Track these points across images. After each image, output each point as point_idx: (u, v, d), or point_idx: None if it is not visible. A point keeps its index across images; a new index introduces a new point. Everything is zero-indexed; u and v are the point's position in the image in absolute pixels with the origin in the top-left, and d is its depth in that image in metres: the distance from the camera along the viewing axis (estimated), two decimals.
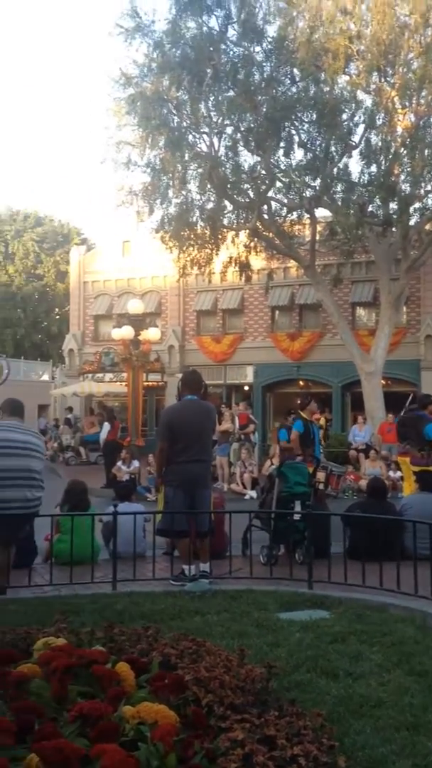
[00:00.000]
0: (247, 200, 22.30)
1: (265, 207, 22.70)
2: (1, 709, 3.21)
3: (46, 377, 40.49)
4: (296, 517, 8.57)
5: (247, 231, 23.06)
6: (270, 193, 22.52)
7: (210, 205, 22.39)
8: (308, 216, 22.88)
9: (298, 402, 12.86)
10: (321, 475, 11.57)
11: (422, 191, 20.84)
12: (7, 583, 7.16)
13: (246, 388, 30.36)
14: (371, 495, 9.67)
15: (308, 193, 21.78)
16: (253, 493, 16.89)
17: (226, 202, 22.59)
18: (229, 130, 21.80)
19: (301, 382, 29.46)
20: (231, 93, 20.76)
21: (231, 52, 21.17)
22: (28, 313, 47.47)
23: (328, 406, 26.38)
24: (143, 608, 6.17)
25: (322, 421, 17.64)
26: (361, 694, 4.16)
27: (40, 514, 7.39)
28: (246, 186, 22.21)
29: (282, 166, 21.76)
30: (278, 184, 22.20)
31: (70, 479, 10.56)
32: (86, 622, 5.24)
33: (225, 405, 22.99)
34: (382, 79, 20.16)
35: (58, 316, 48.33)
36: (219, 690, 3.40)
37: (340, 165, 21.51)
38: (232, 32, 21.35)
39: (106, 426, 20.02)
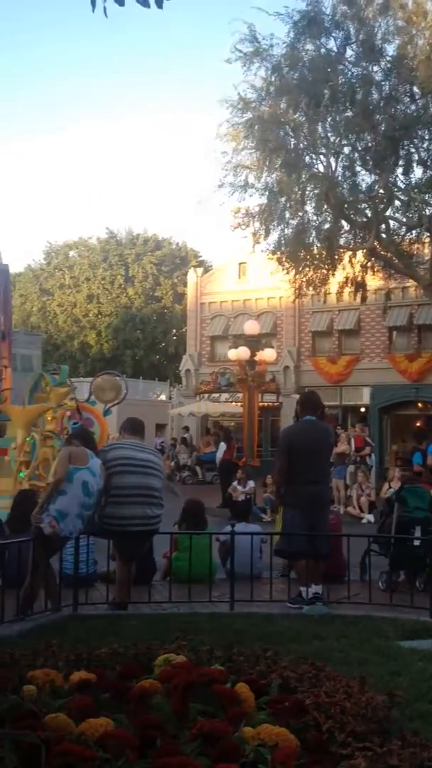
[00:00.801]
0: (365, 220, 22.06)
1: (383, 226, 22.39)
2: (123, 722, 3.27)
3: (163, 397, 41.22)
4: (416, 543, 8.35)
5: (364, 251, 22.80)
6: (388, 212, 22.21)
7: (326, 226, 22.27)
8: (428, 234, 22.42)
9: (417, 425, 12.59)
10: None
11: None
12: (128, 598, 7.32)
13: (362, 409, 29.90)
14: None
15: (428, 211, 21.36)
16: (371, 517, 16.59)
17: (343, 222, 22.43)
18: (346, 150, 21.69)
19: (419, 404, 28.76)
20: (349, 113, 20.67)
21: (349, 73, 21.11)
22: (146, 334, 48.58)
23: None
24: (261, 630, 6.16)
25: None
26: None
27: (159, 531, 7.53)
28: (363, 206, 22.00)
29: (401, 185, 21.47)
30: (397, 202, 21.89)
31: (187, 498, 10.68)
32: (204, 640, 5.27)
33: (341, 427, 22.71)
34: None
35: (175, 337, 49.21)
36: (340, 716, 3.34)
37: None
38: (350, 53, 21.29)
39: (222, 446, 20.16)
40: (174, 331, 49.47)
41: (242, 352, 19.05)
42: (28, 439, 12.65)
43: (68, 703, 3.41)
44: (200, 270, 37.54)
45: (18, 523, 8.12)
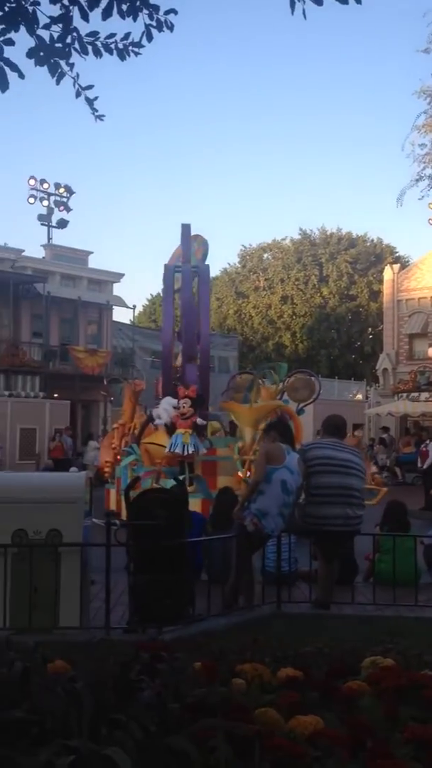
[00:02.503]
0: None
1: None
2: (332, 722, 3.24)
3: (359, 397, 40.68)
4: None
5: None
6: None
7: None
8: None
9: None
10: None
11: None
12: (331, 598, 7.28)
13: None
14: None
15: None
16: None
17: None
18: None
19: None
20: None
21: None
22: (341, 333, 48.21)
23: None
24: None
25: None
26: None
27: (360, 532, 7.43)
28: None
29: None
30: None
31: (389, 499, 10.45)
32: (411, 644, 5.12)
33: None
34: None
35: (371, 336, 48.46)
36: None
37: None
38: None
39: None
40: (370, 329, 48.73)
41: None
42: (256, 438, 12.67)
43: (276, 699, 3.43)
44: (397, 266, 36.68)
45: (220, 521, 8.33)
